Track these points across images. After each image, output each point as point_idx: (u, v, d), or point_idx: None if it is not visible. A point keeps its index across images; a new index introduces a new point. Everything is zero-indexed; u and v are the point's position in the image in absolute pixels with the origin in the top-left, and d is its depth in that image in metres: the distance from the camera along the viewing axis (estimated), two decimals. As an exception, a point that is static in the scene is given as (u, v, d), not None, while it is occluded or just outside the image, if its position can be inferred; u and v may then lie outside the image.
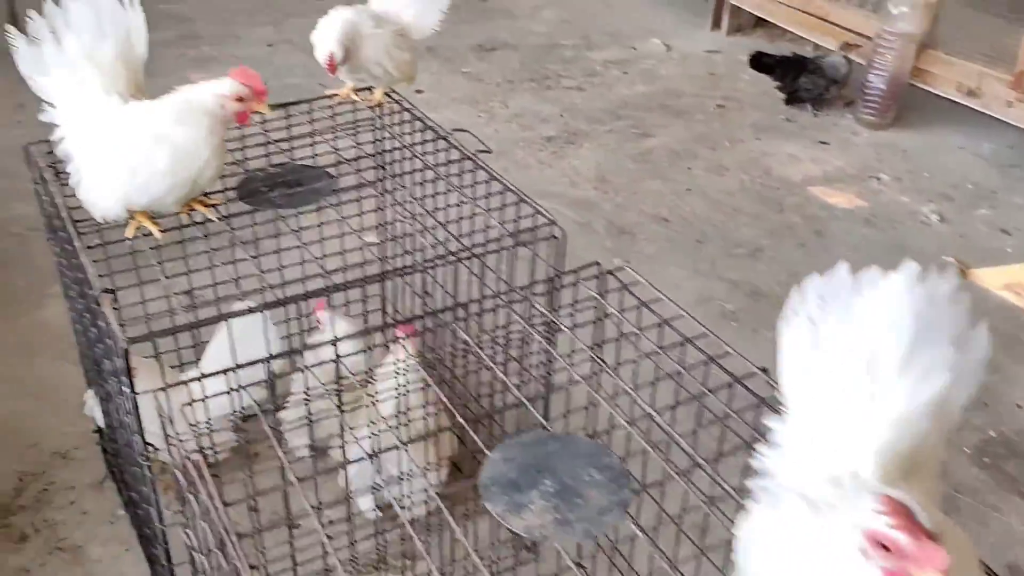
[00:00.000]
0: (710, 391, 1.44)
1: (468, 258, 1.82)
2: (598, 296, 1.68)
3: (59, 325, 2.90)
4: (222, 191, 1.93)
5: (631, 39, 5.43)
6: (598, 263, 1.74)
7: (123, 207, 1.75)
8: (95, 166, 1.72)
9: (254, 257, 1.97)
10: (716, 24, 5.48)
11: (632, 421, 1.47)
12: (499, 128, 4.38)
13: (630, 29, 5.58)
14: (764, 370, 1.43)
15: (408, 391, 1.88)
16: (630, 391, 1.48)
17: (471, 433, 1.44)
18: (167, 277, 1.76)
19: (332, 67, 2.19)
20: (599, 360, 1.58)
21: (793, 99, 4.55)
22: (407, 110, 2.30)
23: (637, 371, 1.56)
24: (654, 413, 1.46)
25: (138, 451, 1.58)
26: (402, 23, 2.36)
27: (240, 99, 1.71)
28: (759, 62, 4.72)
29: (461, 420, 1.47)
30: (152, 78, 4.56)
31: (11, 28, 1.69)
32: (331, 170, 2.05)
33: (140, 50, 1.75)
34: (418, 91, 4.59)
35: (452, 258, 1.81)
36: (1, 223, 3.41)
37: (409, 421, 1.85)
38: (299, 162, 2.07)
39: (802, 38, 5.23)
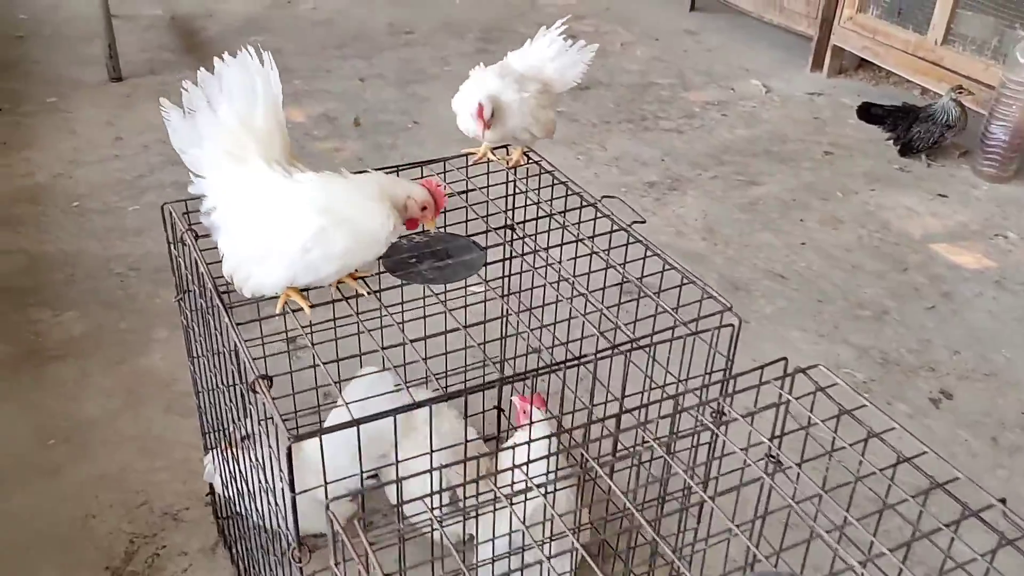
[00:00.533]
0: (945, 526, 1.27)
1: (634, 349, 1.68)
2: (789, 398, 1.52)
3: (165, 373, 2.84)
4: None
5: (728, 79, 5.28)
6: (785, 359, 1.59)
7: (284, 286, 1.65)
8: (257, 242, 1.61)
9: (412, 340, 1.86)
10: (817, 65, 5.30)
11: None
12: (599, 172, 4.25)
13: (726, 68, 5.43)
14: (1003, 501, 1.27)
15: (553, 487, 1.73)
16: (853, 521, 1.30)
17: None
18: (314, 365, 1.64)
19: (486, 124, 2.08)
20: (818, 490, 1.41)
21: (907, 150, 4.35)
22: (549, 172, 2.18)
23: (852, 497, 1.40)
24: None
25: (291, 548, 1.46)
26: (544, 78, 2.25)
27: (424, 208, 1.64)
28: (867, 113, 4.54)
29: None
30: None
31: (164, 101, 1.60)
32: (478, 239, 1.93)
33: (281, 111, 1.66)
34: (514, 131, 4.48)
35: (622, 348, 1.66)
36: (101, 261, 3.37)
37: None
38: (440, 228, 1.96)
39: (908, 81, 5.04)
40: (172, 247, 1.91)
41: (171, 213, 1.87)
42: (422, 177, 2.12)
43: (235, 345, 1.55)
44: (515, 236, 2.28)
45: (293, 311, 1.70)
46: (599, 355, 1.72)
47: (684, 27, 6.09)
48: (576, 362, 1.64)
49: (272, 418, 1.41)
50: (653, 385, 1.79)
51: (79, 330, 3.01)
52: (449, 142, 3.70)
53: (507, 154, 2.29)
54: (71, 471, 2.49)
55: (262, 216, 1.61)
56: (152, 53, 5.15)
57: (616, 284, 1.95)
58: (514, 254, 2.27)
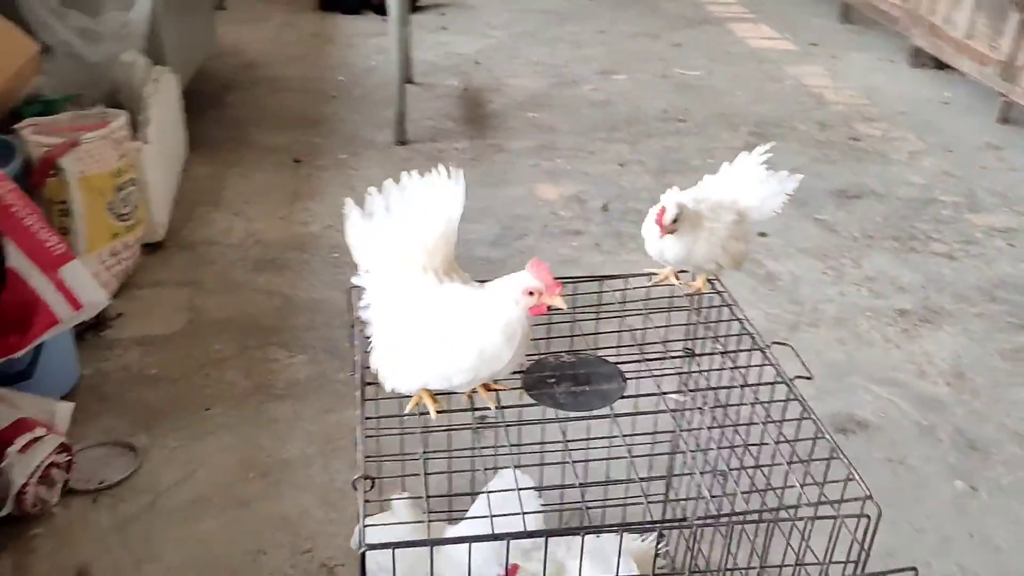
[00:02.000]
0: None
1: (762, 521, 1.55)
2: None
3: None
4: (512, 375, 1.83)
5: (1026, 204, 4.72)
6: (915, 569, 1.38)
7: (418, 387, 1.72)
8: (399, 343, 1.70)
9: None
10: None
11: None
12: (845, 290, 3.96)
13: (1027, 191, 4.86)
14: None
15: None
16: None
17: None
18: (427, 473, 1.68)
19: (666, 228, 2.01)
20: None
21: None
22: (728, 306, 2.08)
23: None
24: None
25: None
26: (740, 208, 2.15)
27: (531, 293, 1.61)
28: None
29: None
30: (504, 186, 4.77)
31: (348, 200, 1.73)
32: (632, 366, 1.88)
33: (457, 223, 1.73)
34: (762, 234, 4.32)
35: (763, 517, 1.54)
36: (340, 312, 3.67)
37: None
38: (598, 351, 1.93)
39: None
40: (350, 328, 2.05)
41: (351, 294, 2.01)
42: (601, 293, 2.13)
43: (355, 439, 1.64)
44: (695, 367, 2.20)
45: (420, 413, 1.75)
46: (732, 518, 1.61)
47: (987, 140, 5.54)
48: (711, 522, 1.54)
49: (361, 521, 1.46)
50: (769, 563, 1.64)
51: (304, 374, 3.30)
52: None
53: (692, 278, 2.21)
54: (259, 506, 2.72)
55: (402, 319, 1.70)
56: (437, 121, 5.58)
57: (768, 443, 1.80)
58: (689, 386, 2.19)
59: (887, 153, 5.34)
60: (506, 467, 2.11)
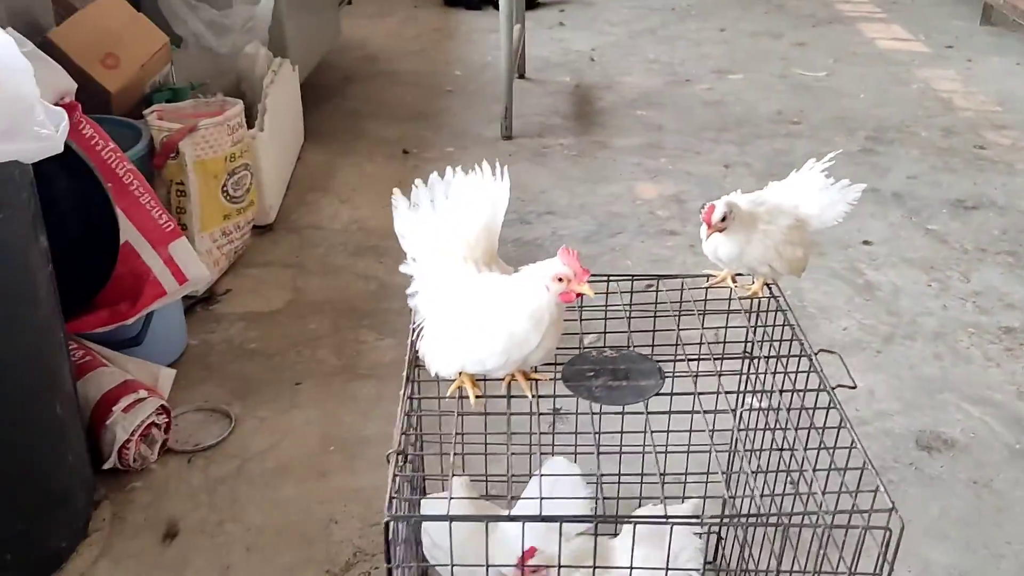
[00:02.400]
0: None
1: (782, 525, 1.55)
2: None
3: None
4: (553, 364, 1.89)
5: None
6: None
7: (456, 370, 1.81)
8: (439, 329, 1.79)
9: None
10: None
11: None
12: (948, 304, 3.81)
13: None
14: None
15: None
16: None
17: None
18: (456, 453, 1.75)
19: (713, 226, 2.02)
20: None
21: None
22: (782, 311, 2.07)
23: None
24: None
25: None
26: (800, 214, 2.14)
27: (560, 279, 1.67)
28: None
29: None
30: (604, 183, 4.79)
31: (396, 191, 1.83)
32: (686, 364, 1.91)
33: (501, 218, 1.80)
34: (865, 242, 4.21)
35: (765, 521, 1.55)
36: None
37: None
38: (645, 349, 1.96)
39: None
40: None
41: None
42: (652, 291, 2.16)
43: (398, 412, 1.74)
44: (751, 369, 2.20)
45: (463, 397, 1.84)
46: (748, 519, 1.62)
47: None
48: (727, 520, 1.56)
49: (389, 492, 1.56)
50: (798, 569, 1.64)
51: (390, 357, 3.45)
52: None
53: (752, 281, 2.21)
54: (336, 478, 2.88)
55: (445, 308, 1.78)
56: (544, 117, 5.66)
57: (813, 448, 1.79)
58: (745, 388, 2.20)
59: (1014, 163, 5.06)
60: (559, 454, 2.18)
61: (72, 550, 2.55)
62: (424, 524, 2.12)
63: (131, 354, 3.06)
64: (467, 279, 1.76)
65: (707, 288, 2.21)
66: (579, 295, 1.68)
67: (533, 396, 1.81)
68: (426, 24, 7.49)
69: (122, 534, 2.64)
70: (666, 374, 1.84)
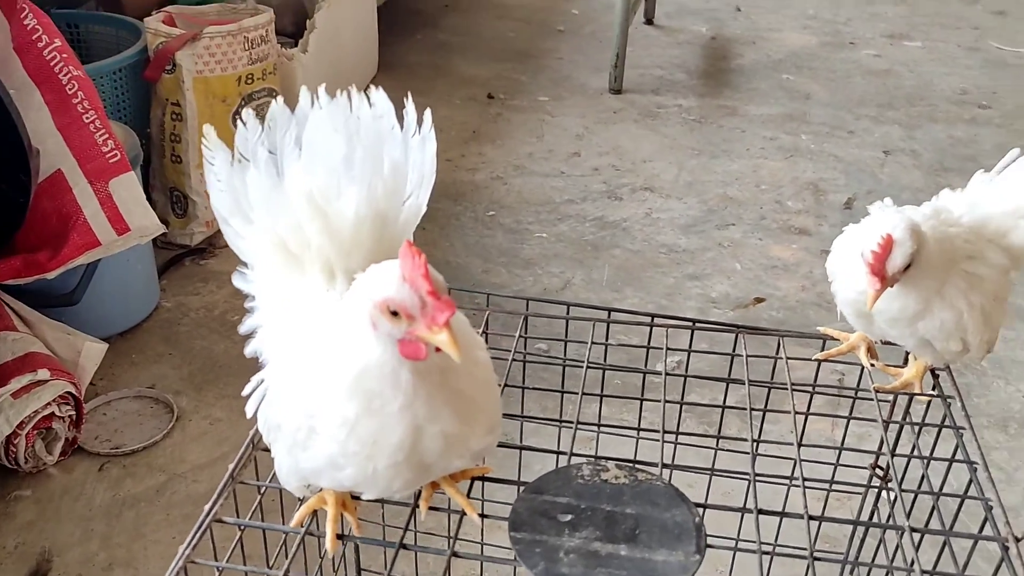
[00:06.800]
0: None
1: None
2: None
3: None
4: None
5: None
6: None
7: (301, 485, 1.01)
8: (278, 400, 0.99)
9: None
10: None
11: None
12: None
13: None
14: None
15: None
16: None
17: None
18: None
19: (887, 277, 1.12)
20: None
21: None
22: (956, 428, 1.14)
23: None
24: None
25: None
26: (1007, 244, 1.20)
27: (394, 313, 0.82)
28: None
29: None
30: (724, 158, 3.77)
31: (208, 131, 1.02)
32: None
33: (418, 203, 0.98)
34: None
35: None
36: (475, 281, 3.01)
37: None
38: (662, 475, 1.09)
39: None
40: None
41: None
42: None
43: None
44: (885, 485, 1.31)
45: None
46: None
47: None
48: None
49: None
50: None
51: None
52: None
53: (903, 369, 1.29)
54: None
55: (271, 364, 0.98)
56: (666, 71, 4.69)
57: None
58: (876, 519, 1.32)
59: None
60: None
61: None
62: None
63: (63, 316, 2.39)
64: (307, 313, 0.95)
65: (819, 360, 1.30)
66: (439, 348, 0.82)
67: (482, 516, 0.99)
68: (553, -45, 6.56)
69: (-22, 563, 1.99)
70: (708, 539, 0.96)
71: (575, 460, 1.04)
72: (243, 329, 1.06)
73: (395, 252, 0.89)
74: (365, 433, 0.87)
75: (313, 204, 0.95)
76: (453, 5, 5.40)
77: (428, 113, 1.00)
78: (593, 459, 1.04)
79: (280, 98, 1.03)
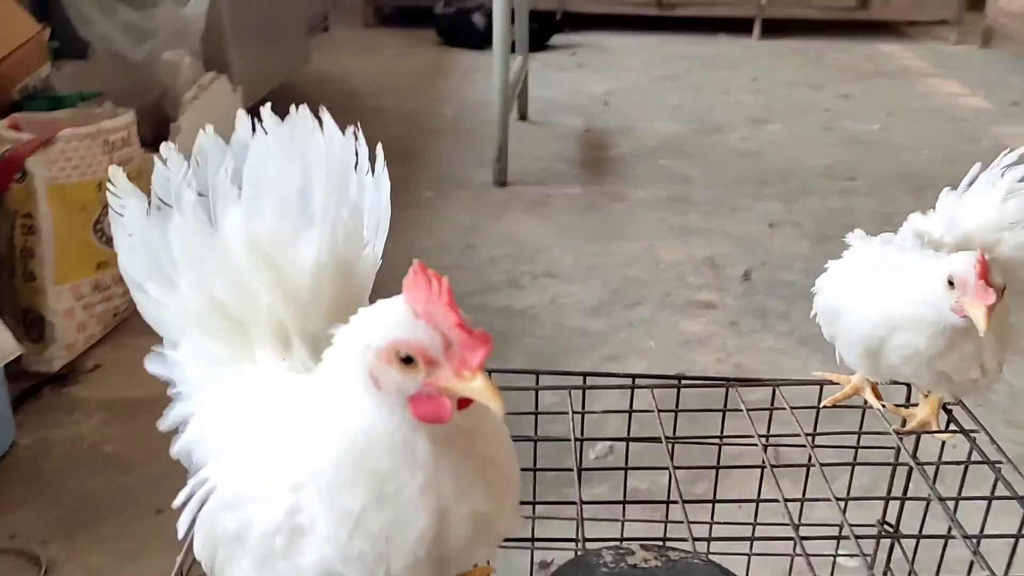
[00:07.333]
0: None
1: None
2: None
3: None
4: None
5: None
6: None
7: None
8: (234, 508, 0.76)
9: None
10: None
11: None
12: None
13: None
14: None
15: None
16: None
17: None
18: None
19: (1000, 291, 1.01)
20: None
21: None
22: (989, 464, 1.01)
23: None
24: None
25: None
26: (997, 255, 1.11)
27: (406, 360, 0.64)
28: None
29: None
30: (620, 241, 3.59)
31: (116, 172, 0.83)
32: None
33: (374, 254, 0.80)
34: None
35: None
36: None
37: None
38: (706, 550, 0.91)
39: None
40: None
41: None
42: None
43: None
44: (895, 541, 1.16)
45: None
46: None
47: None
48: None
49: None
50: None
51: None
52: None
53: (915, 408, 1.16)
54: None
55: (252, 452, 0.76)
56: (548, 163, 4.69)
57: None
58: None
59: None
60: None
61: None
62: None
63: None
64: (268, 391, 0.75)
65: (819, 408, 1.17)
66: (461, 404, 0.64)
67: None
68: (418, 62, 6.61)
69: None
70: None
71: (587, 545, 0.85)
72: (166, 424, 0.83)
73: (355, 312, 0.70)
74: (376, 527, 0.65)
75: (260, 253, 0.75)
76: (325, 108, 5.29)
77: (380, 149, 0.83)
78: (617, 543, 0.85)
79: (210, 127, 0.84)
